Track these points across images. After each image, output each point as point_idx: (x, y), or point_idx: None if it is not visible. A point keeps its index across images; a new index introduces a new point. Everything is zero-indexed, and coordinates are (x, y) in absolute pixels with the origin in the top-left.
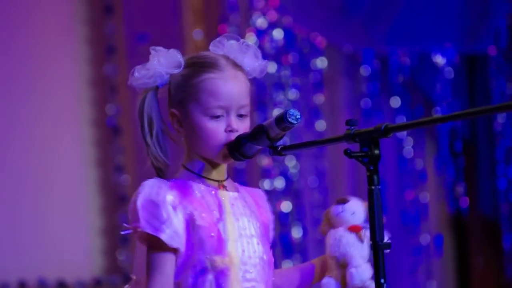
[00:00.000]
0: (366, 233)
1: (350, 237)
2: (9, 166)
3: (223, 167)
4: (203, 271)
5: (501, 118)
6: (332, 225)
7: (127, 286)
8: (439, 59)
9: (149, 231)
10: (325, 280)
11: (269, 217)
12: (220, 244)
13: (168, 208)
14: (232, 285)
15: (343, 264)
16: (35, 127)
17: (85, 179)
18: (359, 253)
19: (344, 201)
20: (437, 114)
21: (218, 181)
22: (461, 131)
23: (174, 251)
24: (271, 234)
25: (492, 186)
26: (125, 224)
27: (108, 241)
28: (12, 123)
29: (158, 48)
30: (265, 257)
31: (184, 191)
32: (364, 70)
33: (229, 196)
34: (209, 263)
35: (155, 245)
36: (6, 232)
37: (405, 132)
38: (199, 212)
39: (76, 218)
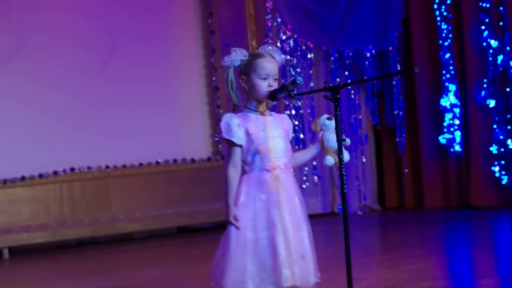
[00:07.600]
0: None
1: (334, 137)
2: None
3: (264, 105)
4: (254, 153)
5: (395, 79)
6: (320, 129)
7: (223, 162)
8: (367, 53)
9: (227, 137)
10: (328, 157)
11: (290, 128)
12: (262, 141)
13: (236, 126)
14: (270, 161)
15: (335, 151)
16: (170, 62)
17: (197, 103)
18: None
19: (331, 118)
20: (365, 78)
21: (261, 112)
22: (376, 85)
23: (240, 146)
24: (290, 136)
25: (391, 110)
26: (215, 135)
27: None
28: (152, 46)
29: (236, 48)
30: (286, 147)
31: (244, 118)
32: (332, 59)
33: (268, 118)
34: (256, 150)
35: (231, 144)
36: (151, 125)
37: (351, 86)
38: (251, 126)
39: (197, 124)
